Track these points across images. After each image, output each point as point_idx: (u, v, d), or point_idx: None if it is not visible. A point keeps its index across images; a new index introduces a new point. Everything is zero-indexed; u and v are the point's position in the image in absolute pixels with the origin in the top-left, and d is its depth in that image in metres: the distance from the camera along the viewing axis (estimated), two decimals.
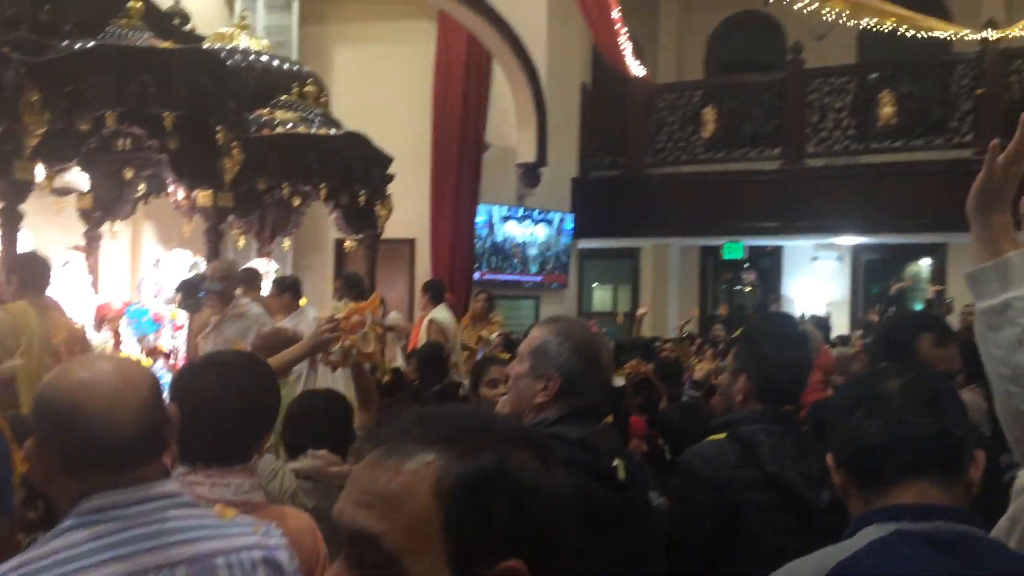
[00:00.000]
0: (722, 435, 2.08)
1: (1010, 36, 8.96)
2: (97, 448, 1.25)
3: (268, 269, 7.18)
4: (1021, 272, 1.44)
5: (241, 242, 7.49)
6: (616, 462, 1.76)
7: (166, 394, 1.47)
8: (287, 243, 8.13)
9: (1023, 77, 8.99)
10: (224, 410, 1.65)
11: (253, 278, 6.65)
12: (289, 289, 6.01)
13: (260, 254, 7.78)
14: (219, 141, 5.90)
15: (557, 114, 9.29)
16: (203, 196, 6.00)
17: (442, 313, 6.95)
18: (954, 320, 8.95)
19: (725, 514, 1.96)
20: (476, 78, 8.60)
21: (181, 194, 6.11)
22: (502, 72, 8.59)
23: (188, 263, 6.78)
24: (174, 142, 5.57)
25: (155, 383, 1.36)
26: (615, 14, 9.26)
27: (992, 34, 8.82)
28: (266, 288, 6.42)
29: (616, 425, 3.64)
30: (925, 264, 12.27)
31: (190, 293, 5.21)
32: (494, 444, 0.75)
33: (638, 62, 10.27)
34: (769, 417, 2.05)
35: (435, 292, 7.21)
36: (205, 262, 6.21)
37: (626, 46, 9.74)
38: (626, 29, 9.67)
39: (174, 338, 6.29)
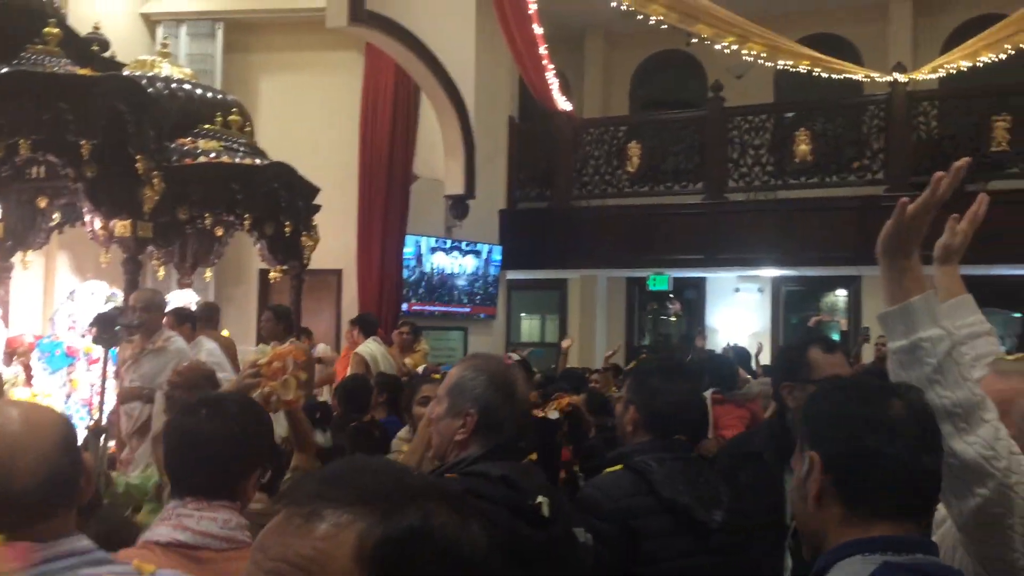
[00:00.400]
0: (618, 467, 2.15)
1: (917, 79, 9.41)
2: None
3: (189, 300, 7.03)
4: (924, 315, 1.53)
5: (161, 273, 7.32)
6: (540, 499, 1.77)
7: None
8: (208, 274, 7.98)
9: (929, 118, 9.44)
10: (206, 438, 1.67)
11: (212, 314, 6.64)
12: (187, 320, 5.91)
13: (180, 285, 7.61)
14: (139, 170, 5.77)
15: (485, 146, 9.37)
16: (121, 226, 5.85)
17: (367, 346, 6.88)
18: (869, 350, 9.28)
19: (626, 543, 2.02)
20: (403, 110, 8.62)
21: (98, 224, 5.95)
22: (430, 104, 8.62)
23: (104, 294, 6.59)
24: (91, 171, 5.44)
25: (65, 430, 1.30)
26: (542, 50, 9.41)
27: (900, 77, 9.26)
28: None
29: (547, 459, 3.68)
30: (841, 296, 12.71)
31: (105, 327, 5.07)
32: (414, 501, 0.71)
33: (564, 97, 10.45)
34: (659, 446, 2.13)
35: (364, 325, 7.15)
36: (122, 294, 6.05)
37: (553, 82, 9.90)
38: (552, 65, 9.84)
39: (89, 371, 6.08)
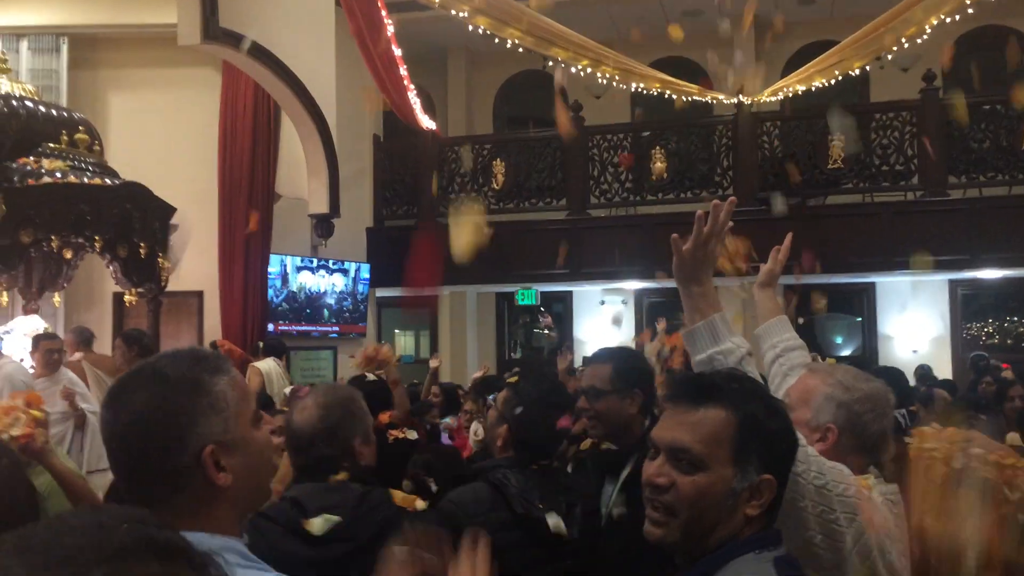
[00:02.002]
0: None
1: (760, 101, 10.01)
2: None
3: (36, 327, 6.69)
4: (718, 332, 1.76)
5: (3, 298, 6.94)
6: (313, 520, 1.88)
7: None
8: (57, 298, 7.61)
9: (772, 137, 10.06)
10: None
11: (87, 337, 6.60)
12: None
13: (26, 311, 7.23)
14: None
15: (350, 165, 9.34)
16: None
17: (266, 363, 7.19)
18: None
19: None
20: (264, 127, 8.50)
21: None
22: (291, 122, 8.54)
23: None
24: None
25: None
26: (402, 71, 9.48)
27: (744, 99, 9.84)
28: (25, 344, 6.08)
29: (399, 480, 3.73)
30: None
31: None
32: (107, 562, 0.64)
33: (428, 116, 10.54)
34: (523, 462, 2.22)
35: (269, 348, 7.61)
36: None
37: (415, 101, 9.98)
38: (414, 85, 9.91)
39: None
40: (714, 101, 10.41)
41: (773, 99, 10.03)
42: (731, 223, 1.85)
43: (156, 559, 0.67)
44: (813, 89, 9.92)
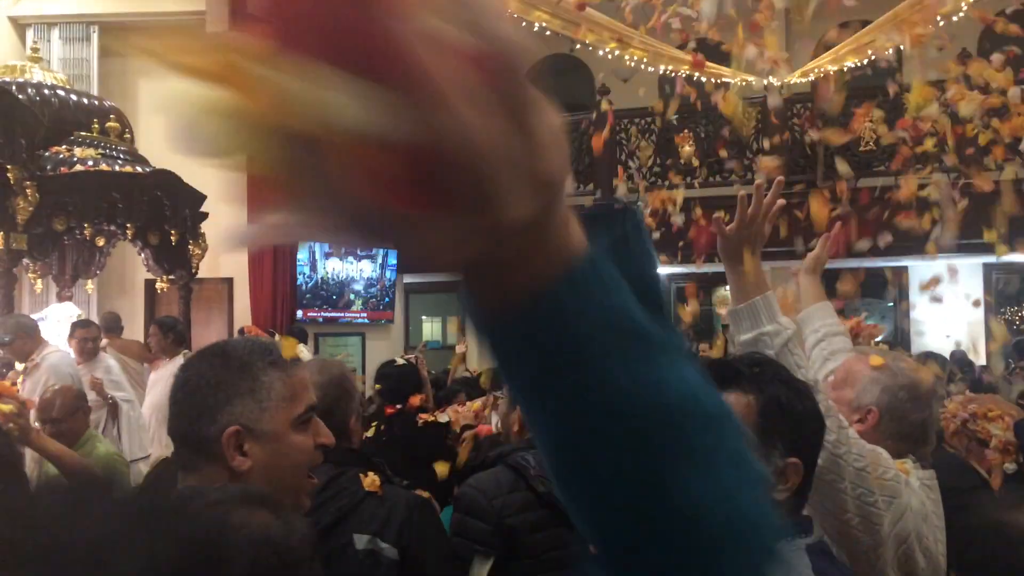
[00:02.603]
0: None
1: (790, 82, 9.88)
2: None
3: (70, 314, 6.78)
4: (765, 313, 1.74)
5: (39, 286, 7.04)
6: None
7: None
8: (90, 285, 7.71)
9: (802, 120, 9.94)
10: None
11: (115, 323, 6.69)
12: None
13: (60, 298, 7.33)
14: (10, 180, 5.56)
15: None
16: None
17: (303, 353, 7.11)
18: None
19: (503, 539, 2.09)
20: None
21: None
22: None
23: None
24: None
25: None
26: None
27: (774, 81, 9.70)
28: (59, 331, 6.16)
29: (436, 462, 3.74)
30: (726, 291, 13.22)
31: None
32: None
33: None
34: None
35: (293, 335, 7.48)
36: None
37: None
38: None
39: None
40: (743, 83, 10.28)
41: (803, 80, 9.89)
42: (782, 200, 1.83)
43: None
44: (845, 70, 9.77)
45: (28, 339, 5.03)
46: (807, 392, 1.41)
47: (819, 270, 2.41)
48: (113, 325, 6.70)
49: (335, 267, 9.54)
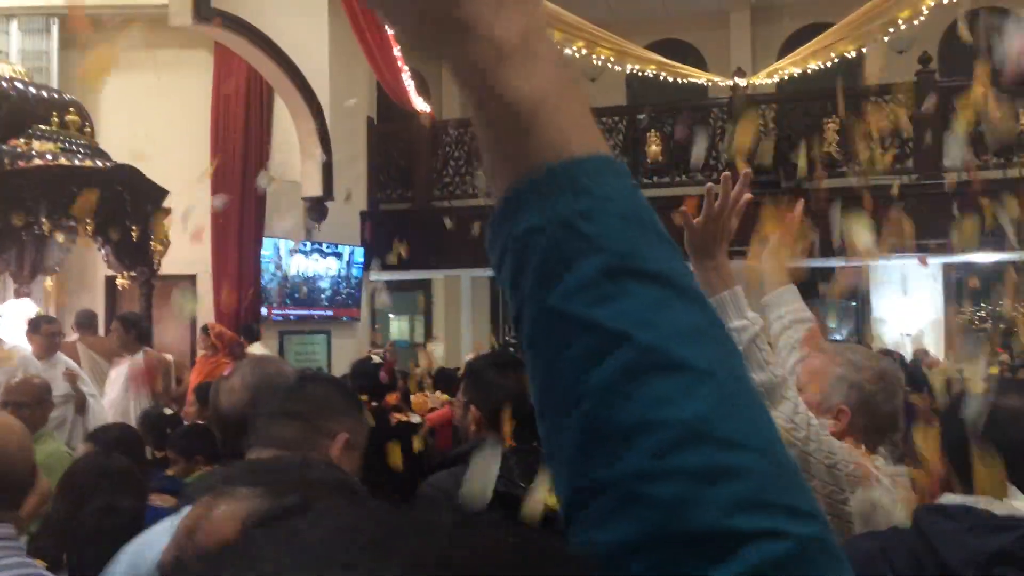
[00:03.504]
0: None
1: (755, 83, 9.99)
2: None
3: (28, 311, 6.66)
4: (732, 308, 1.73)
5: None
6: None
7: None
8: (49, 282, 7.58)
9: (768, 120, 10.03)
10: None
11: (89, 320, 6.66)
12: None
13: (17, 294, 7.19)
14: None
15: (344, 147, 9.28)
16: None
17: (257, 347, 7.18)
18: None
19: None
20: (257, 110, 8.45)
21: None
22: (284, 104, 8.48)
23: None
24: None
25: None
26: (396, 52, 9.42)
27: (740, 81, 9.80)
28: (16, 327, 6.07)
29: (409, 463, 3.72)
30: None
31: None
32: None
33: (423, 98, 10.48)
34: (500, 440, 2.18)
35: (247, 333, 7.55)
36: None
37: (409, 83, 9.92)
38: (407, 67, 9.85)
39: None
40: (710, 83, 10.37)
41: (768, 81, 10.00)
42: (749, 195, 1.81)
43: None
44: (808, 72, 9.90)
45: None
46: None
47: (783, 253, 2.33)
48: (87, 322, 6.64)
49: (301, 264, 9.47)
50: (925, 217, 9.10)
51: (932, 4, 8.81)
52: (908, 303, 11.90)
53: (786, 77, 10.01)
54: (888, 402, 1.90)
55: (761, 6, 12.20)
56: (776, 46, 12.10)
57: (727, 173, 1.81)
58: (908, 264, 10.32)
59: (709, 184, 1.84)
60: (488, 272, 12.09)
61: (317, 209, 9.06)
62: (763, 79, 9.98)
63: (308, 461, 1.45)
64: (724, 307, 1.72)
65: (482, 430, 2.22)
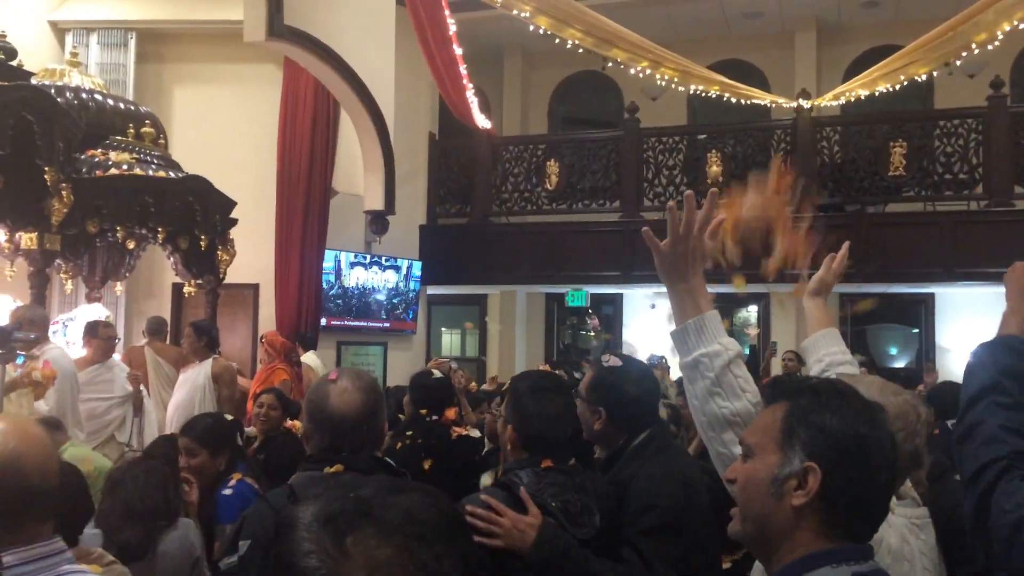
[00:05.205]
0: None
1: (820, 105, 9.86)
2: None
3: (98, 315, 6.86)
4: (704, 333, 1.66)
5: (68, 286, 7.13)
6: None
7: None
8: (119, 287, 7.80)
9: (831, 143, 9.89)
10: None
11: (160, 327, 7.07)
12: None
13: (89, 299, 7.42)
14: (47, 182, 5.64)
15: (405, 162, 9.40)
16: (28, 238, 5.71)
17: (310, 357, 7.57)
18: (777, 364, 9.64)
19: (491, 555, 2.06)
20: (323, 124, 8.60)
21: (3, 236, 5.79)
22: (350, 119, 8.62)
23: (9, 308, 6.38)
24: None
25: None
26: (462, 70, 9.52)
27: (804, 103, 9.68)
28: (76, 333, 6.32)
29: (469, 477, 3.76)
30: (752, 311, 13.15)
31: (2, 341, 4.90)
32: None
33: (484, 115, 10.57)
34: (536, 463, 2.16)
35: (303, 341, 7.98)
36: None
37: (472, 100, 10.01)
38: (472, 84, 9.95)
39: None
40: (773, 105, 10.27)
41: (834, 103, 9.86)
42: (717, 216, 1.73)
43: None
44: (876, 94, 9.73)
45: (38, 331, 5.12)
46: (838, 404, 1.28)
47: (825, 293, 2.29)
48: (156, 329, 6.99)
49: (360, 276, 9.59)
50: (995, 242, 8.89)
51: (1008, 29, 8.60)
52: (974, 331, 11.57)
53: (852, 99, 9.85)
54: (908, 440, 1.79)
55: (827, 28, 12.04)
56: (842, 68, 11.93)
57: (689, 192, 1.73)
58: (976, 291, 10.05)
59: (671, 203, 1.79)
60: (544, 289, 12.13)
61: (378, 222, 9.18)
62: (829, 101, 9.84)
63: None
64: (696, 332, 1.66)
65: (516, 450, 2.23)
